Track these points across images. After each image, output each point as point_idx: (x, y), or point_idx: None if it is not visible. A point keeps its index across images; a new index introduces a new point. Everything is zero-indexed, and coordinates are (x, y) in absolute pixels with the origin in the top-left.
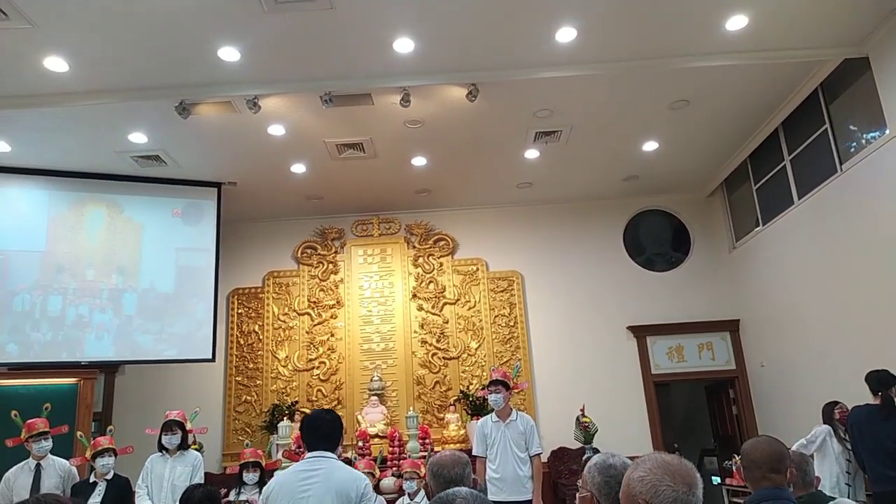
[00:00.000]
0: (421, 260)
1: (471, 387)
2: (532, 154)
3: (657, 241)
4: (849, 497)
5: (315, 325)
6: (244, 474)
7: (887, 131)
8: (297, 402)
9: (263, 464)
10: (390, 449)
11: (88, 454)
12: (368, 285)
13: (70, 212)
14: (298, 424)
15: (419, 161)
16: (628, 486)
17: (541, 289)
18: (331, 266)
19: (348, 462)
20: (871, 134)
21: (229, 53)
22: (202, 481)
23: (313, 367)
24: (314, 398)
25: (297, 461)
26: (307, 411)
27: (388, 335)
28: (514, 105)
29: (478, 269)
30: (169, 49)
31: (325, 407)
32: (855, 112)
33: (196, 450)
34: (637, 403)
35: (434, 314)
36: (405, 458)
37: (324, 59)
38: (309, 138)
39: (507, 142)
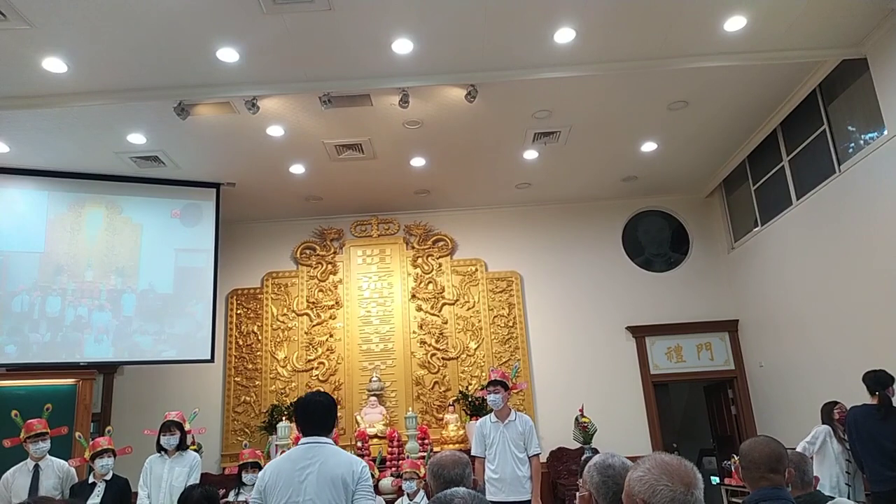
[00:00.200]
0: (420, 260)
1: (470, 387)
2: (531, 155)
3: (656, 242)
4: (849, 497)
5: (314, 326)
6: (243, 475)
7: (885, 132)
8: None
9: (262, 464)
10: (389, 449)
11: (87, 455)
12: (367, 286)
13: (69, 212)
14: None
15: (418, 162)
16: (628, 486)
17: (540, 289)
18: (330, 267)
19: None
20: (870, 134)
21: (228, 54)
22: (198, 482)
23: (312, 368)
24: None
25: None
26: None
27: (387, 336)
28: (513, 106)
29: (477, 270)
30: (168, 50)
31: None
32: (853, 113)
33: (195, 450)
34: (636, 404)
35: (433, 315)
36: (404, 459)
37: (323, 59)
38: (308, 139)
39: (506, 142)
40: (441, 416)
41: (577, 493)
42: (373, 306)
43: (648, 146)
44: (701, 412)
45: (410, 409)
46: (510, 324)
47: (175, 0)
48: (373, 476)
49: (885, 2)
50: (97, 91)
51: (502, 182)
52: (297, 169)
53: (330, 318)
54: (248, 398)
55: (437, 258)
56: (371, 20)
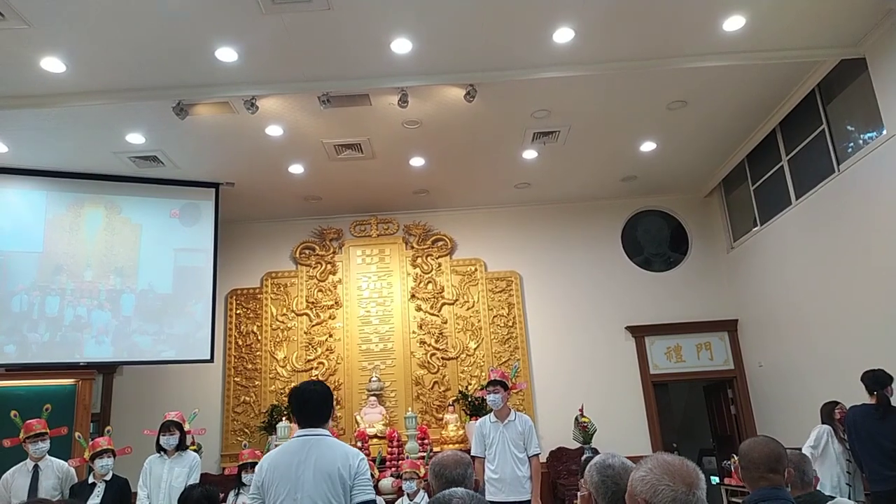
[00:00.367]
0: (419, 260)
1: (469, 387)
2: (530, 154)
3: (655, 242)
4: (849, 497)
5: (313, 326)
6: (243, 475)
7: (884, 131)
8: None
9: None
10: (389, 449)
11: (87, 455)
12: (367, 286)
13: (68, 212)
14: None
15: (417, 161)
16: (630, 486)
17: (539, 289)
18: (329, 266)
19: None
20: (869, 134)
21: (227, 54)
22: (197, 482)
23: (312, 368)
24: None
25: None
26: None
27: (386, 335)
28: (512, 105)
29: (476, 270)
30: (166, 50)
31: None
32: (852, 112)
33: (194, 451)
34: (636, 403)
35: (432, 314)
36: (404, 459)
37: (321, 59)
38: (307, 139)
39: (505, 142)
40: (441, 416)
41: (577, 493)
42: (372, 306)
43: (647, 146)
44: (700, 412)
45: (410, 409)
46: (510, 324)
47: (174, 0)
48: (372, 476)
49: (884, 2)
50: (96, 91)
51: (501, 182)
52: (297, 169)
53: (329, 318)
54: (247, 398)
55: (437, 258)
56: (370, 20)
